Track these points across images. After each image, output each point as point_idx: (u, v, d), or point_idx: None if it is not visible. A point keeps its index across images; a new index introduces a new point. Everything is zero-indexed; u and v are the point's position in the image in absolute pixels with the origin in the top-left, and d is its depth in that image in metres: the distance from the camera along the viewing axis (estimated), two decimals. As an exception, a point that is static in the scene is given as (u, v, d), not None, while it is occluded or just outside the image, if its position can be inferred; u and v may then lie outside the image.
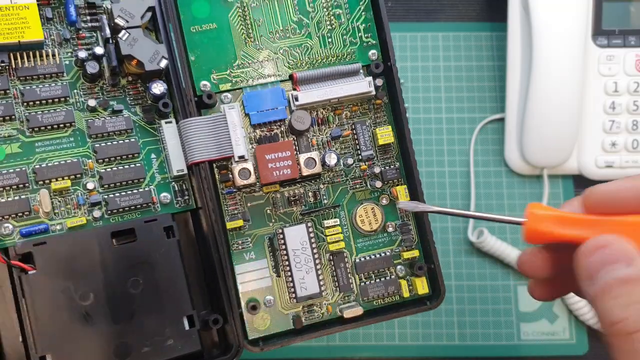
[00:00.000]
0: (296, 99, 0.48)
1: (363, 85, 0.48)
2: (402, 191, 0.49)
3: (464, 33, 0.69)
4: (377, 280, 0.49)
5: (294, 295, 0.48)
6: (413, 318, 0.63)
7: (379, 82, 0.49)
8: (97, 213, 0.45)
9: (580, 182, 0.66)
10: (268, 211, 0.49)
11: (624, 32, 0.64)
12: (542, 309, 0.64)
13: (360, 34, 0.50)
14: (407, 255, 0.50)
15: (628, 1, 0.65)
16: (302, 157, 0.48)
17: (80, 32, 0.46)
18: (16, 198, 0.44)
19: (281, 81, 0.49)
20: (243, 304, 0.48)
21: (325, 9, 0.49)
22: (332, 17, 0.49)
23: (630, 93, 0.64)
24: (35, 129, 0.45)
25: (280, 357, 0.62)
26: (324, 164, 0.48)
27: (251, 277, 0.48)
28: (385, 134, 0.49)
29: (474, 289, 0.64)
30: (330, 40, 0.49)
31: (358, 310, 0.48)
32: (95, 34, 0.47)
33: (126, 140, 0.46)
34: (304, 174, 0.48)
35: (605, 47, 0.64)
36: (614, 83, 0.64)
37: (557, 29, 0.61)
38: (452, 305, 0.63)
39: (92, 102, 0.46)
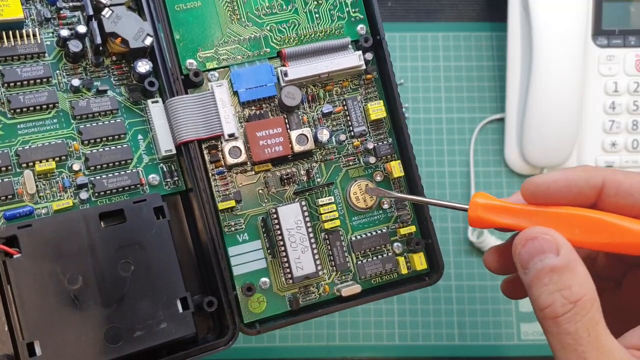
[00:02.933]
0: (285, 75, 0.47)
1: (353, 59, 0.48)
2: (396, 166, 0.48)
3: (464, 33, 0.69)
4: (374, 258, 0.48)
5: (290, 275, 0.46)
6: (413, 318, 0.63)
7: (369, 56, 0.49)
8: (83, 195, 0.43)
9: None
10: (260, 191, 0.47)
11: (624, 32, 0.65)
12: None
13: (347, 9, 0.49)
14: (403, 231, 0.49)
15: (628, 1, 0.65)
16: (294, 134, 0.47)
17: (62, 11, 0.45)
18: (-1, 181, 0.42)
19: (269, 58, 0.48)
20: (238, 286, 0.46)
21: (311, -16, 0.48)
22: (318, -7, 0.49)
23: (630, 93, 0.64)
24: (17, 110, 0.43)
25: (280, 358, 0.61)
26: (316, 140, 0.47)
27: (245, 258, 0.47)
28: (377, 109, 0.48)
29: (474, 289, 0.63)
30: (317, 15, 0.49)
31: (356, 288, 0.47)
32: (77, 14, 0.46)
33: (112, 121, 0.45)
34: (296, 151, 0.47)
35: (605, 47, 0.64)
36: (614, 83, 0.64)
37: (557, 29, 0.61)
38: (452, 305, 0.63)
39: (75, 82, 0.44)
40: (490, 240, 0.63)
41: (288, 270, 0.46)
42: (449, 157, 0.67)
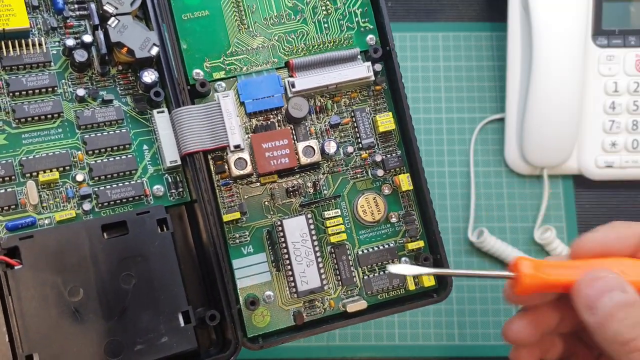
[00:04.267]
0: (293, 86, 0.46)
1: (361, 70, 0.47)
2: (404, 179, 0.47)
3: (464, 33, 0.68)
4: (381, 273, 0.47)
5: (294, 289, 0.45)
6: (413, 318, 0.62)
7: (378, 67, 0.48)
8: (87, 206, 0.43)
9: (581, 182, 0.65)
10: (266, 203, 0.47)
11: (624, 32, 0.64)
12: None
13: (357, 19, 0.48)
14: (411, 246, 0.48)
15: (628, 1, 0.64)
16: (301, 146, 0.46)
17: (68, 20, 0.45)
18: (1, 191, 0.42)
19: (277, 69, 0.47)
20: (241, 300, 0.45)
21: (320, -6, 0.48)
22: (327, 2, 0.48)
23: (630, 93, 0.64)
24: (22, 120, 0.43)
25: (280, 358, 0.60)
26: (323, 152, 0.47)
27: (249, 271, 0.46)
28: (386, 121, 0.47)
29: (474, 289, 0.63)
30: (326, 25, 0.48)
31: (362, 304, 0.46)
32: (83, 23, 0.45)
33: (117, 131, 0.45)
34: (303, 163, 0.46)
35: (605, 47, 0.64)
36: (614, 83, 0.64)
37: (557, 29, 0.60)
38: (452, 305, 0.62)
39: (81, 92, 0.44)
40: (490, 240, 0.62)
41: (293, 284, 0.46)
42: (449, 157, 0.66)
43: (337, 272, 0.47)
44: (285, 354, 0.60)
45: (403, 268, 0.44)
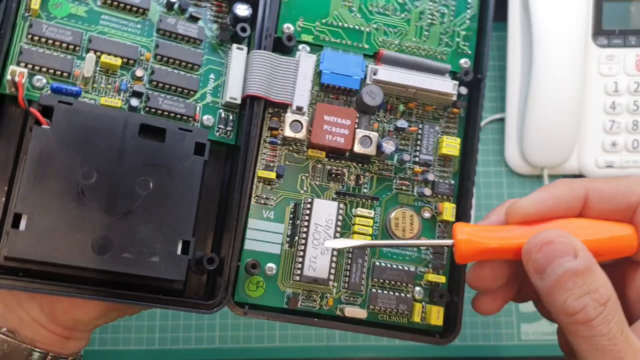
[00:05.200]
0: (374, 73, 0.45)
1: (447, 85, 0.45)
2: (449, 209, 0.45)
3: None
4: (391, 292, 0.44)
5: (299, 272, 0.42)
6: None
7: (463, 91, 0.46)
8: (134, 102, 0.41)
9: None
10: (303, 177, 0.45)
11: (624, 32, 0.64)
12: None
13: (458, 39, 0.47)
14: (431, 278, 0.44)
15: (628, 1, 0.65)
16: (360, 133, 0.44)
17: None
18: (61, 55, 0.40)
19: (364, 54, 0.46)
20: (243, 261, 0.42)
21: (431, 2, 0.47)
22: (435, 13, 0.47)
23: (630, 93, 0.63)
24: (108, 1, 0.42)
25: (280, 358, 0.59)
26: (378, 148, 0.45)
27: (262, 236, 0.43)
28: (452, 145, 0.46)
29: None
30: (426, 33, 0.47)
31: (361, 313, 0.43)
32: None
33: (191, 49, 0.43)
34: (356, 150, 0.44)
35: (605, 47, 0.64)
36: (614, 83, 0.63)
37: (557, 29, 0.61)
38: None
39: (173, -1, 0.43)
40: None
41: (300, 265, 0.43)
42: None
43: (347, 274, 0.44)
44: (286, 354, 0.59)
45: (339, 242, 0.41)
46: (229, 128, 0.44)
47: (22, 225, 0.36)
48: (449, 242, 0.38)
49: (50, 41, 0.40)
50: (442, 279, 0.45)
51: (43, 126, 0.38)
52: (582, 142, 0.64)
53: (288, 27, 0.45)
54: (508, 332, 0.62)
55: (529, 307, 0.61)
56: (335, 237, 0.43)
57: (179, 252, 0.39)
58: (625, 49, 0.64)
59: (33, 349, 0.40)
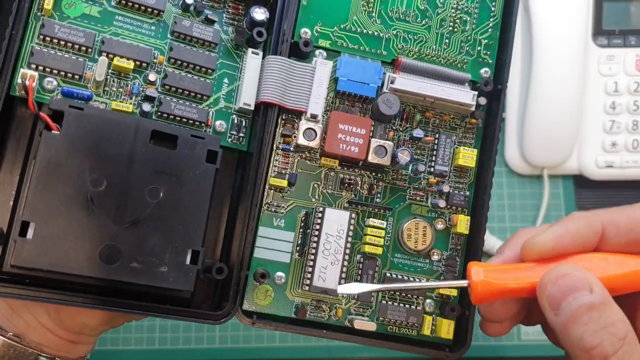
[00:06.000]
0: (392, 82, 0.44)
1: (466, 95, 0.44)
2: (463, 222, 0.44)
3: None
4: (401, 305, 0.44)
5: (308, 282, 0.42)
6: None
7: (482, 101, 0.45)
8: (146, 107, 0.41)
9: (581, 182, 0.65)
10: (316, 185, 0.44)
11: (624, 32, 0.64)
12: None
13: (479, 48, 0.46)
14: (443, 291, 0.44)
15: (628, 1, 0.64)
16: (375, 143, 0.43)
17: None
18: (73, 57, 0.40)
19: (382, 61, 0.45)
20: (252, 269, 0.42)
21: (453, 10, 0.46)
22: (457, 21, 0.46)
23: (630, 93, 0.63)
24: (123, 2, 0.41)
25: (280, 358, 0.59)
26: (393, 158, 0.44)
27: (271, 245, 0.43)
28: (468, 156, 0.45)
29: None
30: (447, 41, 0.46)
31: (371, 325, 0.42)
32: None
33: (206, 53, 0.43)
34: (370, 160, 0.43)
35: (605, 47, 0.64)
36: (614, 83, 0.63)
37: (557, 29, 0.61)
38: None
39: (189, 0, 0.42)
40: (491, 239, 0.61)
41: (309, 275, 0.42)
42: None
43: (358, 285, 0.43)
44: (286, 354, 0.59)
45: (351, 287, 0.39)
46: (241, 134, 0.43)
47: (30, 233, 0.36)
48: (464, 283, 0.37)
49: (62, 42, 0.40)
50: (453, 292, 0.44)
51: (53, 131, 0.37)
52: (582, 142, 0.63)
53: (305, 32, 0.44)
54: (508, 333, 0.62)
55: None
56: (346, 247, 0.42)
57: (188, 262, 0.39)
58: (625, 49, 0.64)
59: (39, 353, 0.39)
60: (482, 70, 0.46)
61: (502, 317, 0.39)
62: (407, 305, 0.43)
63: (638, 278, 0.35)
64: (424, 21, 0.46)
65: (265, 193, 0.43)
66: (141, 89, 0.41)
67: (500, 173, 0.65)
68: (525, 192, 0.64)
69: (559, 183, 0.65)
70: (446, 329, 0.43)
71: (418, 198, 0.45)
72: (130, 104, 0.41)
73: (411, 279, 0.44)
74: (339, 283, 0.42)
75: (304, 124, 0.43)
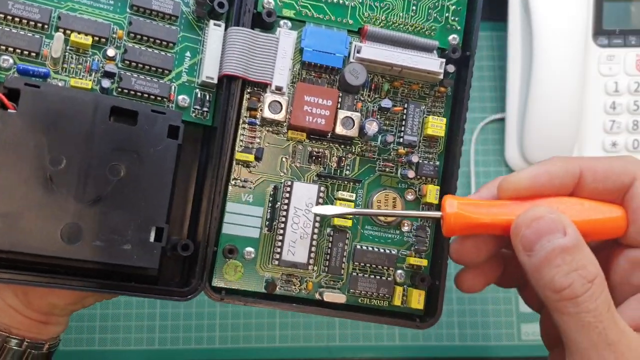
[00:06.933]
0: (358, 51, 0.43)
1: (434, 63, 0.43)
2: (433, 191, 0.44)
3: None
4: (372, 276, 0.43)
5: (278, 256, 0.42)
6: None
7: (450, 69, 0.44)
8: (106, 83, 0.40)
9: None
10: (284, 159, 0.43)
11: (624, 31, 0.64)
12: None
13: (447, 14, 0.45)
14: (413, 261, 0.44)
15: (629, 1, 0.64)
16: (342, 114, 0.43)
17: None
18: (29, 34, 0.39)
19: (348, 30, 0.44)
20: (220, 245, 0.42)
21: (421, -25, 0.45)
22: (424, -14, 0.45)
23: (630, 93, 0.63)
24: (79, -24, 0.40)
25: (280, 358, 0.59)
26: (361, 130, 0.43)
27: (240, 220, 0.43)
28: (437, 125, 0.44)
29: None
30: (414, 8, 0.45)
31: (340, 297, 0.42)
32: None
33: (166, 26, 0.42)
34: (337, 132, 0.43)
35: (605, 47, 0.64)
36: (615, 83, 0.63)
37: (557, 29, 0.61)
38: (452, 306, 0.62)
39: (147, -28, 0.41)
40: None
41: (279, 250, 0.42)
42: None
43: (328, 258, 0.43)
44: (286, 354, 0.59)
45: (325, 209, 0.40)
46: (205, 109, 0.43)
47: (-12, 214, 0.35)
48: (437, 214, 0.37)
49: (17, 19, 0.39)
50: (424, 263, 0.44)
51: (9, 110, 0.36)
52: (582, 142, 0.63)
53: (268, 2, 0.43)
54: (508, 332, 0.62)
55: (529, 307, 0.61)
56: (315, 220, 0.42)
57: (152, 239, 0.38)
58: (626, 49, 0.64)
59: (8, 335, 0.39)
60: (450, 37, 0.45)
61: (472, 259, 0.39)
62: (378, 277, 0.43)
63: (611, 224, 0.35)
64: (390, -12, 0.45)
65: (232, 168, 0.42)
66: (100, 65, 0.40)
67: (501, 173, 0.65)
68: None
69: (559, 183, 0.66)
70: (417, 299, 0.43)
71: (387, 169, 0.44)
72: (90, 80, 0.40)
73: (382, 250, 0.43)
74: (308, 257, 0.42)
75: (269, 97, 0.42)
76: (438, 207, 0.44)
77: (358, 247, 0.43)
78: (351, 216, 0.43)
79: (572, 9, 0.61)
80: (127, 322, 0.58)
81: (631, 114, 0.63)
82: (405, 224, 0.44)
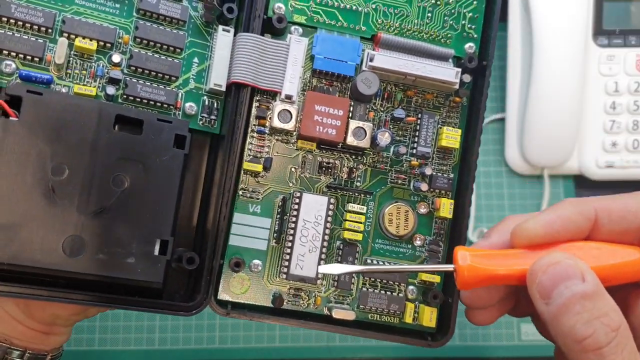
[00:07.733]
0: (371, 60, 0.42)
1: (449, 73, 0.42)
2: (447, 205, 0.42)
3: None
4: (382, 292, 0.42)
5: (285, 270, 0.40)
6: None
7: (466, 79, 0.43)
8: (111, 90, 0.39)
9: (581, 182, 0.64)
10: (293, 169, 0.42)
11: (624, 31, 0.63)
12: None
13: (463, 22, 0.44)
14: (425, 277, 0.42)
15: (629, 1, 0.64)
16: (353, 124, 0.42)
17: None
18: (32, 39, 0.38)
19: (361, 37, 0.43)
20: (227, 257, 0.41)
21: (437, -19, 0.43)
22: (440, -7, 0.43)
23: (630, 93, 0.63)
24: (84, -22, 0.39)
25: (280, 358, 0.58)
26: (373, 141, 0.42)
27: (247, 232, 0.41)
28: (452, 137, 0.43)
29: None
30: (430, 15, 0.43)
31: (350, 314, 0.41)
32: None
33: (174, 31, 0.40)
34: (348, 142, 0.41)
35: (605, 47, 0.63)
36: (615, 83, 0.62)
37: (557, 29, 0.60)
38: None
39: (155, -24, 0.40)
40: None
41: (286, 263, 0.41)
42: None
43: (337, 272, 0.42)
44: (286, 354, 0.58)
45: (332, 267, 0.37)
46: (213, 117, 0.41)
47: (-12, 226, 0.34)
48: (449, 267, 0.35)
49: (20, 23, 0.37)
50: (436, 279, 0.42)
51: (10, 118, 0.35)
52: (582, 142, 0.62)
53: (279, 7, 0.42)
54: (508, 332, 0.61)
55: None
56: (324, 233, 0.41)
57: (156, 252, 0.37)
58: (626, 49, 0.63)
59: (9, 346, 0.38)
60: (467, 46, 0.44)
61: (484, 304, 0.38)
62: (389, 292, 0.42)
63: (630, 269, 0.33)
64: (405, -6, 0.43)
65: (240, 178, 0.41)
66: (105, 70, 0.39)
67: (501, 173, 0.64)
68: (525, 192, 0.64)
69: (559, 183, 0.64)
70: (429, 316, 0.42)
71: (400, 181, 0.43)
72: (94, 87, 0.39)
73: (393, 264, 0.42)
74: (317, 271, 0.41)
75: (278, 106, 0.41)
76: (452, 221, 0.43)
77: (369, 261, 0.42)
78: (361, 230, 0.41)
79: (572, 9, 0.60)
80: (127, 322, 0.58)
81: (631, 114, 0.62)
82: (418, 238, 0.43)
